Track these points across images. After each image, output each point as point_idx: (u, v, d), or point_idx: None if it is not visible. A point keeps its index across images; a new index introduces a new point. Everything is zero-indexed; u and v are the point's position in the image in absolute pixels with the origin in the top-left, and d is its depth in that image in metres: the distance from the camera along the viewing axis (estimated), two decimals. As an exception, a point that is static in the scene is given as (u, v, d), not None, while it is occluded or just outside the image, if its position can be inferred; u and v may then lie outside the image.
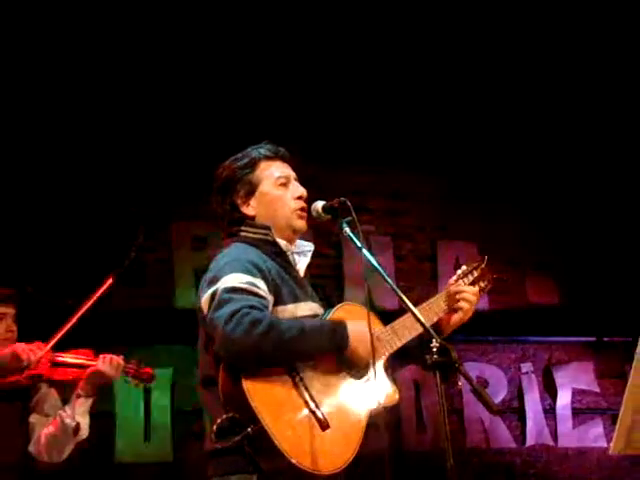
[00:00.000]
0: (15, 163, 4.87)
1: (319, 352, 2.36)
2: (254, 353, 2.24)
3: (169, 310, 5.08)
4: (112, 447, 4.70)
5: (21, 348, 3.14)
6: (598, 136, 5.89)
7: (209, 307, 2.35)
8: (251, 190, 2.58)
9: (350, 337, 2.36)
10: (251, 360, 2.26)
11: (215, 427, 2.29)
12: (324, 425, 2.26)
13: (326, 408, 2.30)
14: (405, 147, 5.62)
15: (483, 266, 2.73)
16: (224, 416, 2.28)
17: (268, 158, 2.62)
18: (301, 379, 2.31)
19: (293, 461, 2.20)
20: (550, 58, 5.65)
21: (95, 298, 3.36)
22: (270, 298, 2.39)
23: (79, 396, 3.21)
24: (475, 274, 2.71)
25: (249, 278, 2.35)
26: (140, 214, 5.04)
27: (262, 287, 2.37)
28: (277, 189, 2.58)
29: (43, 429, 3.23)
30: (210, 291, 2.36)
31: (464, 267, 2.73)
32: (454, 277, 2.71)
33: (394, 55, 5.50)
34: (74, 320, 3.28)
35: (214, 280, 2.38)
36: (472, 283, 2.69)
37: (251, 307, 2.26)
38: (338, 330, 2.37)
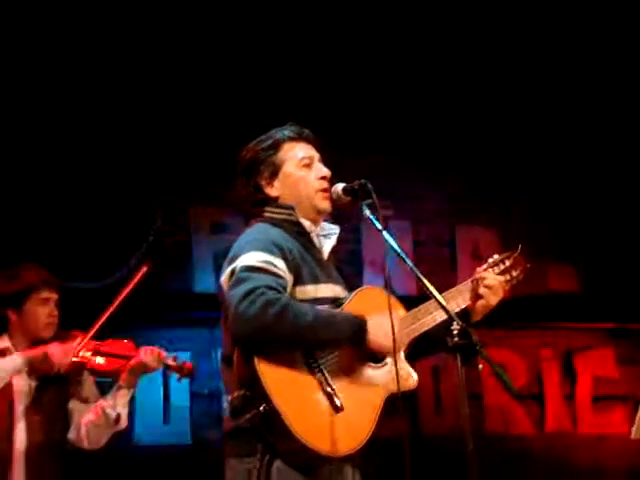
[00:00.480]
0: (35, 150, 4.88)
1: (334, 342, 2.33)
2: (264, 334, 2.23)
3: (187, 294, 5.09)
4: (131, 429, 4.74)
5: (53, 351, 3.04)
6: (617, 124, 5.84)
7: (228, 285, 2.35)
8: (275, 171, 2.56)
9: (369, 332, 2.33)
10: (260, 341, 2.25)
11: (229, 405, 2.30)
12: (337, 407, 2.25)
13: (340, 390, 2.29)
14: (426, 132, 5.59)
15: (516, 255, 2.66)
16: (235, 394, 2.29)
17: (292, 139, 2.60)
18: (315, 360, 2.30)
19: (304, 442, 2.20)
20: (567, 49, 5.63)
21: (133, 285, 3.26)
22: (289, 277, 2.38)
23: (120, 387, 3.19)
24: (507, 263, 2.65)
25: (268, 257, 2.34)
26: (158, 198, 5.04)
27: (280, 266, 2.36)
28: (300, 170, 2.57)
29: (82, 415, 3.21)
30: (229, 268, 2.37)
31: (496, 256, 2.67)
32: (484, 265, 2.65)
33: (422, 42, 5.49)
34: (112, 308, 3.21)
35: (234, 258, 2.38)
36: (502, 272, 2.63)
37: (268, 287, 2.25)
38: (355, 322, 2.34)
